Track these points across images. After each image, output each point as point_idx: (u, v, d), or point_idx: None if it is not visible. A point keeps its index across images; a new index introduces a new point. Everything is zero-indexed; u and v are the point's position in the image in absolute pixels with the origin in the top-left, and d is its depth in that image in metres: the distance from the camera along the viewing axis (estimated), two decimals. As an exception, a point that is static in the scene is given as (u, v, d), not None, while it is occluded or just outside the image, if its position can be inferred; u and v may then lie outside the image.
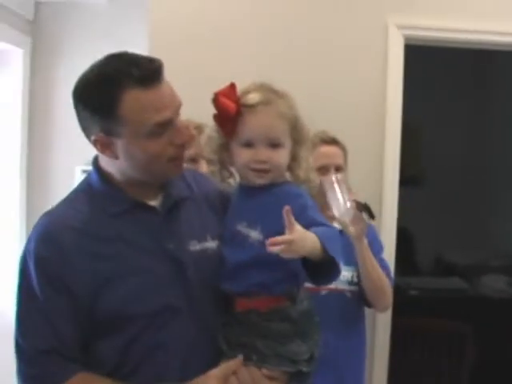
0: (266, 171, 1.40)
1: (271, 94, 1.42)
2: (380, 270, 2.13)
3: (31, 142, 2.96)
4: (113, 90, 1.31)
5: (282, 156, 1.41)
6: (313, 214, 1.37)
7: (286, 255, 1.24)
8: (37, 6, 2.97)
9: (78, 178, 2.86)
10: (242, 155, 1.41)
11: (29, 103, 2.96)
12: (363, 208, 2.05)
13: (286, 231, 1.25)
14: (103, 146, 1.37)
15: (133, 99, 1.32)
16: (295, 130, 1.43)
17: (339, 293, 2.11)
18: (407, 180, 2.93)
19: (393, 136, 2.68)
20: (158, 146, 1.36)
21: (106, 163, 1.42)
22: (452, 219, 4.78)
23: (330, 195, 1.99)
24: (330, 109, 2.54)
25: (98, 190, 1.43)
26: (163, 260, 1.40)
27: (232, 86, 1.42)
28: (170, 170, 1.42)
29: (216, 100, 1.40)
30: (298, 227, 1.27)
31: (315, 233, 1.30)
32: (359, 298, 2.18)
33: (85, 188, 1.46)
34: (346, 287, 2.13)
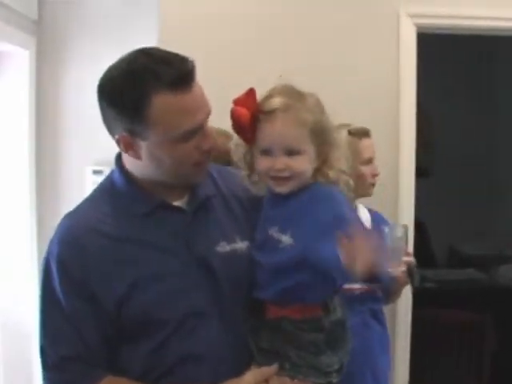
0: (285, 179, 1.35)
1: (291, 99, 1.34)
2: None
3: (40, 143, 2.92)
4: (140, 92, 1.24)
5: (301, 163, 1.34)
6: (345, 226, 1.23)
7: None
8: (41, 5, 2.94)
9: (89, 178, 2.83)
10: (262, 163, 1.36)
11: (36, 104, 2.92)
12: (412, 272, 2.08)
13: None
14: (127, 145, 1.31)
15: (162, 103, 1.25)
16: (319, 133, 1.35)
17: (372, 292, 2.13)
18: (419, 171, 2.90)
19: (408, 127, 2.67)
20: (185, 151, 1.30)
21: (130, 162, 1.37)
22: (464, 210, 4.74)
23: (392, 244, 1.96)
24: (343, 99, 2.50)
25: (121, 190, 1.38)
26: (190, 263, 1.35)
27: (250, 93, 1.35)
28: (194, 174, 1.37)
29: (232, 109, 1.35)
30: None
31: None
32: (384, 296, 2.24)
33: (107, 187, 1.41)
34: (377, 286, 2.13)
